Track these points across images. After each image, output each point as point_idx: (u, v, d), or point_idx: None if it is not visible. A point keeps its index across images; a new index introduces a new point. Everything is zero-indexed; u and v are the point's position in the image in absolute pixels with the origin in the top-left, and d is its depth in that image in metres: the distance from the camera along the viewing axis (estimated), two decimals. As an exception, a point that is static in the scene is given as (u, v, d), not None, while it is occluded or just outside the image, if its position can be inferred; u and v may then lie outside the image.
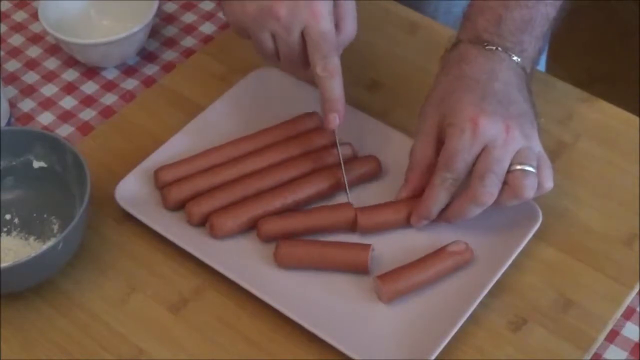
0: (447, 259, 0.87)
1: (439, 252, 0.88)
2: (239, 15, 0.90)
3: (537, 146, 0.88)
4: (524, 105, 0.89)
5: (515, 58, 0.90)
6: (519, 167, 0.86)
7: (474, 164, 0.86)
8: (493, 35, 0.91)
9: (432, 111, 0.90)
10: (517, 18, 0.91)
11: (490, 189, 0.85)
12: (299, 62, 0.91)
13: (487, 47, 0.90)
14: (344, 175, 0.94)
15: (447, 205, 0.89)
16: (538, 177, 0.87)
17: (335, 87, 0.90)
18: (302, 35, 0.89)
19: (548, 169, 0.88)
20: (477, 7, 0.93)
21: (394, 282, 0.86)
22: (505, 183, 0.86)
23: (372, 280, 0.87)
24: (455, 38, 0.94)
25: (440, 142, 0.88)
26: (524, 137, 0.86)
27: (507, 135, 0.85)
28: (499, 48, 0.90)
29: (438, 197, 0.88)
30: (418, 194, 0.90)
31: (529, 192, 0.86)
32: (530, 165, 0.86)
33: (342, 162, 0.94)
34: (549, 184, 0.88)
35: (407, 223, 0.91)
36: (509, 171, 0.86)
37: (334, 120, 0.91)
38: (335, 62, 0.89)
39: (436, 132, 0.89)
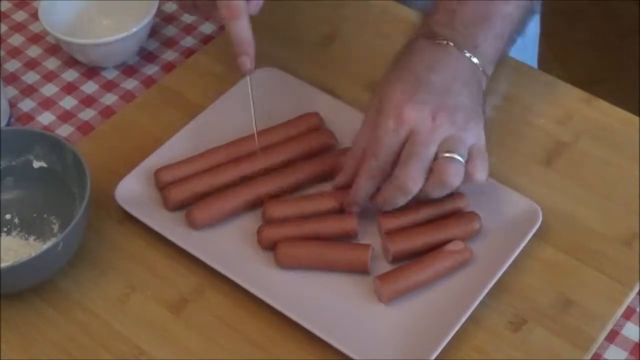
0: (446, 259, 0.87)
1: (437, 252, 0.88)
2: None
3: (472, 138, 0.86)
4: (465, 100, 0.88)
5: (467, 54, 0.90)
6: (446, 154, 0.85)
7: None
8: (445, 28, 0.91)
9: (373, 100, 0.90)
10: (470, 12, 0.92)
11: (413, 174, 0.85)
12: (211, 7, 0.91)
13: (437, 41, 0.90)
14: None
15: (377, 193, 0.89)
16: (467, 167, 0.86)
17: (242, 28, 0.89)
18: None
19: (481, 161, 0.87)
20: (435, 4, 0.94)
21: (393, 283, 0.86)
22: (430, 170, 0.85)
23: (372, 280, 0.87)
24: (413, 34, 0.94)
25: None
26: (454, 126, 0.86)
27: (432, 123, 0.85)
28: (450, 43, 0.90)
29: (363, 184, 0.88)
30: None
31: (453, 179, 0.85)
32: (459, 154, 0.85)
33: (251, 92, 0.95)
34: (479, 175, 0.86)
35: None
36: (434, 159, 0.85)
37: (245, 63, 0.90)
38: (237, 3, 0.89)
39: (375, 119, 0.89)
